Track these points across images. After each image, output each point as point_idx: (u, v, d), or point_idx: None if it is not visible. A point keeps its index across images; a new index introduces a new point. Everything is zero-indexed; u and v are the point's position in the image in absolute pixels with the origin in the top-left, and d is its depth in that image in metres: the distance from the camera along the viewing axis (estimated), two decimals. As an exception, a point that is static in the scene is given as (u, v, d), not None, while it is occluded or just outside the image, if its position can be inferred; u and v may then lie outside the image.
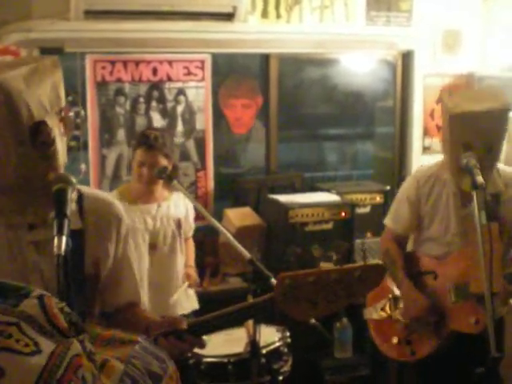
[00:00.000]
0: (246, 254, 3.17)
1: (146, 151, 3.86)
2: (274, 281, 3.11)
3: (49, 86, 1.96)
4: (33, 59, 2.07)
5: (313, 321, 3.27)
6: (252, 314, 2.07)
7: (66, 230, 1.73)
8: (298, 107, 5.70)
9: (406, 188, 3.64)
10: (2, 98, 1.84)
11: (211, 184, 5.02)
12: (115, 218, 2.18)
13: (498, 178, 3.41)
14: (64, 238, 1.71)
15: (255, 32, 4.78)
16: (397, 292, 3.60)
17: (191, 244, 4.32)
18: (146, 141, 3.91)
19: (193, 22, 4.55)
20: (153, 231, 4.00)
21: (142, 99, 4.77)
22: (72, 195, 1.87)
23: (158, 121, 4.83)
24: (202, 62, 4.85)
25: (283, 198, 4.73)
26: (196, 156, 4.96)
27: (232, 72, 5.23)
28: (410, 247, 3.80)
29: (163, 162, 3.86)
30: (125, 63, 4.69)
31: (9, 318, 0.97)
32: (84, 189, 2.15)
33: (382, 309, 3.66)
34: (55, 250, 1.69)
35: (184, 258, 4.17)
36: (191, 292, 4.24)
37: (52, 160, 1.96)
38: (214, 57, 4.91)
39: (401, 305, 3.57)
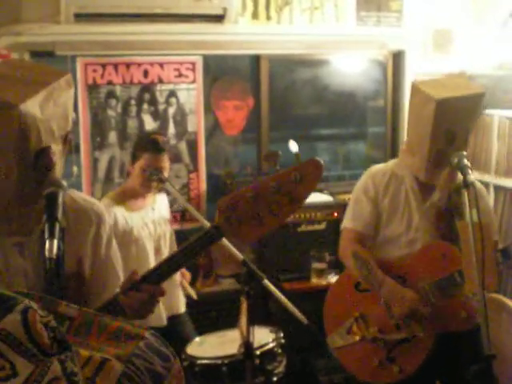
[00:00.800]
0: (239, 255, 3.18)
1: (155, 156, 3.87)
2: (266, 281, 3.13)
3: (60, 110, 1.98)
4: (48, 76, 2.02)
5: (306, 321, 3.28)
6: (202, 245, 1.97)
7: (57, 234, 1.73)
8: (290, 108, 5.70)
9: (361, 185, 3.46)
10: (17, 125, 1.85)
11: (203, 186, 5.02)
12: (96, 217, 2.19)
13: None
14: (56, 242, 1.71)
15: (246, 33, 4.79)
16: (361, 309, 3.32)
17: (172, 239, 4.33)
18: (156, 146, 3.93)
19: (183, 24, 4.55)
20: (155, 236, 4.03)
21: (133, 101, 4.77)
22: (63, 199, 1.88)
23: (149, 123, 4.83)
24: (193, 63, 4.86)
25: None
26: (188, 158, 4.96)
27: (223, 74, 5.23)
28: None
29: (167, 164, 3.92)
30: (116, 66, 4.69)
31: None
32: (69, 191, 2.15)
33: (349, 332, 3.35)
34: (47, 253, 1.69)
35: None
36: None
37: (49, 184, 1.95)
38: (205, 58, 4.91)
39: (372, 321, 3.28)
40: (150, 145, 3.96)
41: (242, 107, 5.21)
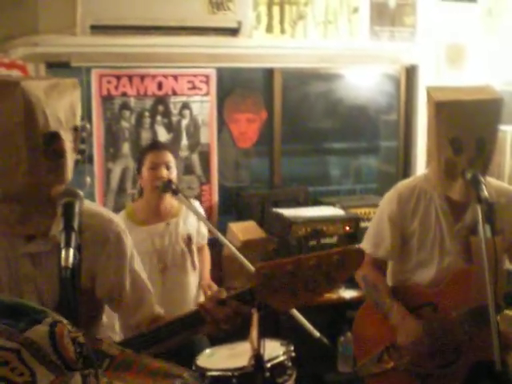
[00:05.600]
0: (251, 267, 3.18)
1: (157, 153, 3.90)
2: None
3: (67, 103, 2.01)
4: (54, 77, 2.11)
5: (317, 334, 3.27)
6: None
7: (73, 243, 1.74)
8: (302, 121, 5.71)
9: (386, 205, 3.18)
10: (22, 102, 1.89)
11: (215, 197, 5.03)
12: (114, 235, 2.18)
13: (489, 186, 2.90)
14: (72, 251, 1.72)
15: (260, 47, 4.81)
16: (392, 337, 3.07)
17: (206, 253, 4.27)
18: (156, 144, 4.09)
19: (198, 36, 4.57)
20: (161, 251, 3.96)
21: (147, 113, 4.80)
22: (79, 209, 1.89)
23: (163, 135, 4.85)
24: (207, 76, 4.88)
25: (287, 212, 4.73)
26: (200, 170, 4.97)
27: (236, 86, 5.25)
28: (393, 279, 3.30)
29: (172, 161, 3.91)
30: (130, 77, 4.72)
31: (11, 343, 0.96)
32: (86, 203, 2.16)
33: (380, 360, 3.13)
34: (62, 262, 1.69)
35: (197, 275, 4.12)
36: None
37: (60, 172, 1.99)
38: (219, 71, 4.93)
39: (404, 351, 3.04)
40: (150, 145, 4.10)
41: (254, 120, 5.23)
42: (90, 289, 2.13)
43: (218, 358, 3.71)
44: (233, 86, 5.23)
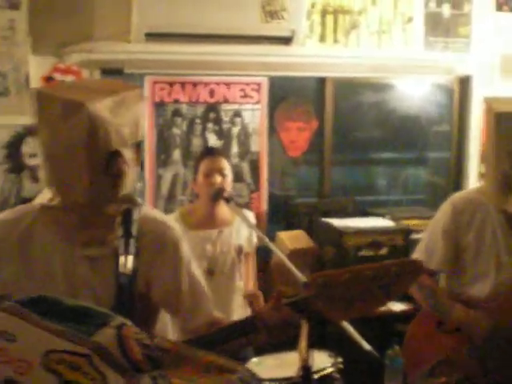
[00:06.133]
0: (301, 277, 3.15)
1: (212, 159, 3.90)
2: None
3: (131, 119, 2.02)
4: (119, 87, 2.11)
5: (368, 347, 3.24)
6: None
7: (131, 250, 1.75)
8: (353, 131, 5.68)
9: (440, 217, 3.14)
10: (87, 122, 1.90)
11: (265, 205, 5.03)
12: (172, 241, 2.19)
13: None
14: (130, 258, 1.74)
15: (312, 56, 4.80)
16: (444, 352, 3.02)
17: (252, 261, 4.20)
18: (211, 150, 4.08)
19: (251, 45, 4.58)
20: (212, 258, 3.95)
21: (198, 120, 4.82)
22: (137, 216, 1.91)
23: (213, 142, 4.87)
24: (259, 84, 4.89)
25: (337, 222, 4.71)
26: (250, 177, 4.98)
27: (288, 95, 5.24)
28: (448, 292, 3.20)
29: (227, 168, 3.90)
30: (183, 85, 4.75)
31: (81, 348, 0.97)
32: (144, 209, 2.19)
33: (432, 375, 3.06)
34: (121, 268, 1.71)
35: (243, 283, 4.10)
36: None
37: (119, 189, 2.02)
38: (271, 79, 4.94)
39: (457, 366, 2.99)
40: (205, 151, 4.10)
41: (305, 129, 5.22)
42: (146, 294, 2.14)
43: (265, 368, 3.69)
44: (284, 95, 5.22)
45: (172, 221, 2.31)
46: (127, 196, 1.95)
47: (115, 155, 1.98)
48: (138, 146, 2.09)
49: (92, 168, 1.95)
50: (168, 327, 2.85)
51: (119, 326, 1.04)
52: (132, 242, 1.79)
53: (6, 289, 2.14)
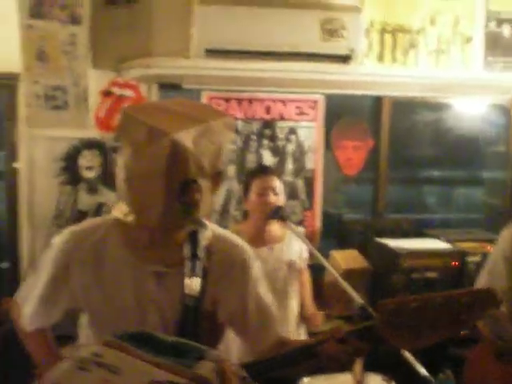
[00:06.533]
0: (359, 299, 3.12)
1: (264, 177, 3.86)
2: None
3: (213, 150, 2.03)
4: (208, 114, 2.11)
5: (424, 372, 3.19)
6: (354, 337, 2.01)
7: (198, 272, 1.76)
8: (409, 150, 5.65)
9: (500, 244, 3.17)
10: (168, 152, 1.92)
11: (318, 223, 5.00)
12: (240, 261, 2.20)
13: None
14: (196, 280, 1.74)
15: (370, 74, 4.77)
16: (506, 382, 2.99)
17: (306, 276, 4.17)
18: (263, 168, 4.09)
19: (309, 62, 4.57)
20: (263, 275, 3.94)
21: (253, 137, 4.83)
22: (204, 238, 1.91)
23: (268, 159, 4.87)
24: (315, 102, 4.88)
25: (393, 243, 4.67)
26: (304, 195, 4.96)
27: (344, 113, 5.22)
28: None
29: (279, 186, 3.86)
30: (239, 101, 4.76)
31: (184, 379, 0.98)
32: (213, 227, 2.20)
33: None
34: (187, 290, 1.72)
35: (298, 301, 4.06)
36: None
37: (192, 217, 2.03)
38: (327, 97, 4.92)
39: None
40: (257, 169, 4.09)
41: (361, 148, 5.19)
42: (212, 312, 2.14)
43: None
44: (340, 113, 5.21)
45: (241, 240, 2.29)
46: (195, 218, 1.95)
47: (190, 184, 1.99)
48: (218, 175, 2.10)
49: (167, 195, 1.97)
50: (232, 348, 2.85)
51: (216, 360, 1.05)
52: (198, 263, 1.78)
53: (75, 300, 2.20)
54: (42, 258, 2.28)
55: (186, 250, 1.82)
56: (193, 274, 1.75)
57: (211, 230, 2.14)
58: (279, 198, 3.84)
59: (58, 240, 2.22)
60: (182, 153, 1.94)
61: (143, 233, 2.08)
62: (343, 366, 2.04)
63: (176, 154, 1.93)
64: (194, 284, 1.73)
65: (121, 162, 2.08)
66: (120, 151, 2.09)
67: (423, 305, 1.87)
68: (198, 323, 1.72)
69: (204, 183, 2.02)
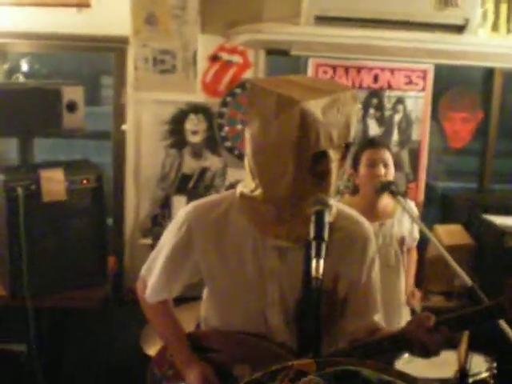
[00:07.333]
0: (467, 279, 3.04)
1: (374, 150, 3.79)
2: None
3: (343, 120, 1.99)
4: (335, 87, 2.10)
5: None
6: (478, 319, 1.99)
7: (323, 254, 1.74)
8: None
9: None
10: (299, 120, 1.90)
11: (421, 196, 4.91)
12: (362, 238, 2.18)
13: None
14: (322, 262, 1.72)
15: (483, 45, 4.61)
16: None
17: (414, 256, 4.11)
18: (373, 141, 3.99)
19: (421, 32, 4.46)
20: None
21: (360, 106, 4.75)
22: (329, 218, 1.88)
23: (373, 128, 4.79)
24: (425, 71, 4.75)
25: (499, 220, 4.54)
26: (409, 167, 4.87)
27: (453, 84, 5.08)
28: None
29: (390, 159, 3.79)
30: (346, 69, 4.68)
31: None
32: (338, 206, 2.17)
33: None
34: (313, 272, 1.70)
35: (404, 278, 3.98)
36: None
37: (323, 189, 2.00)
38: (436, 67, 4.78)
39: None
40: (368, 142, 3.98)
41: (469, 120, 5.04)
42: (332, 289, 2.14)
43: (418, 366, 3.63)
44: (449, 84, 5.07)
45: (364, 219, 2.27)
46: (319, 197, 1.92)
47: (322, 155, 1.97)
48: (347, 148, 2.06)
49: (298, 165, 1.95)
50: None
51: None
52: (324, 246, 1.76)
53: (197, 273, 2.25)
54: (165, 230, 2.31)
55: (312, 231, 1.80)
56: (318, 255, 1.73)
57: (334, 206, 2.09)
58: (389, 171, 3.76)
59: (181, 213, 2.24)
60: (312, 121, 1.91)
61: (271, 207, 2.06)
62: (431, 354, 2.00)
63: (306, 123, 1.90)
64: (320, 267, 1.71)
65: (248, 136, 2.07)
66: (247, 124, 2.07)
67: None
68: (320, 305, 1.71)
69: (333, 155, 1.99)
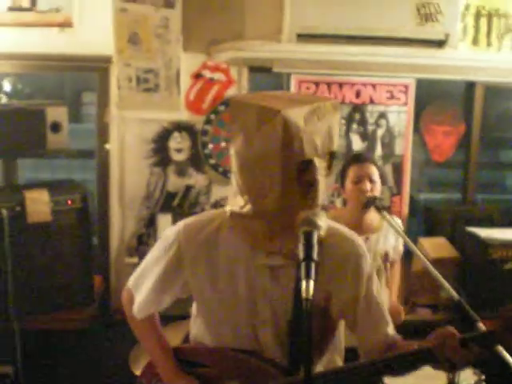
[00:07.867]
0: (454, 293, 3.05)
1: (360, 165, 3.81)
2: (481, 325, 3.00)
3: (324, 128, 2.01)
4: (315, 98, 2.13)
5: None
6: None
7: (313, 275, 1.73)
8: (500, 135, 5.51)
9: None
10: (281, 130, 1.91)
11: (405, 210, 4.93)
12: (354, 256, 2.16)
13: None
14: (311, 283, 1.71)
15: (464, 59, 4.66)
16: None
17: (398, 270, 4.12)
18: (359, 156, 3.96)
19: (403, 47, 4.50)
20: None
21: (343, 121, 4.78)
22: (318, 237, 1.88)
23: (357, 143, 4.82)
24: (406, 86, 4.79)
25: (483, 233, 4.56)
26: (392, 181, 4.90)
27: (434, 98, 5.12)
28: None
29: (376, 174, 3.81)
30: (329, 85, 4.71)
31: None
32: (326, 221, 2.13)
33: None
34: (303, 294, 1.69)
35: (387, 293, 4.00)
36: None
37: (311, 199, 2.01)
38: (418, 82, 4.82)
39: None
40: (353, 157, 3.99)
41: (451, 133, 5.08)
42: (324, 308, 2.13)
43: (406, 379, 3.63)
44: (431, 98, 5.10)
45: (356, 236, 2.25)
46: (307, 217, 1.92)
47: (308, 164, 1.97)
48: (331, 157, 2.06)
49: (285, 176, 1.95)
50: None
51: None
52: (313, 266, 1.75)
53: (187, 290, 2.24)
54: (153, 247, 2.31)
55: (301, 252, 1.79)
56: (308, 276, 1.72)
57: (325, 222, 2.09)
58: (375, 186, 3.78)
59: (171, 232, 2.23)
60: (295, 130, 1.92)
61: (261, 222, 2.05)
62: (458, 369, 2.01)
63: (289, 132, 1.91)
64: (310, 288, 1.70)
65: (233, 152, 2.07)
66: (231, 141, 2.08)
67: None
68: (311, 324, 1.70)
69: (319, 163, 1.99)
